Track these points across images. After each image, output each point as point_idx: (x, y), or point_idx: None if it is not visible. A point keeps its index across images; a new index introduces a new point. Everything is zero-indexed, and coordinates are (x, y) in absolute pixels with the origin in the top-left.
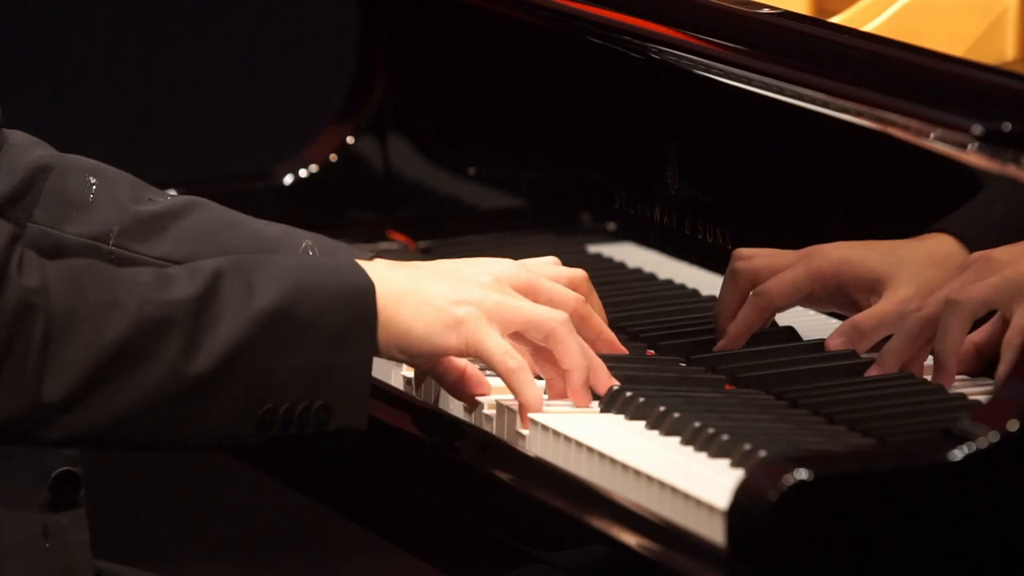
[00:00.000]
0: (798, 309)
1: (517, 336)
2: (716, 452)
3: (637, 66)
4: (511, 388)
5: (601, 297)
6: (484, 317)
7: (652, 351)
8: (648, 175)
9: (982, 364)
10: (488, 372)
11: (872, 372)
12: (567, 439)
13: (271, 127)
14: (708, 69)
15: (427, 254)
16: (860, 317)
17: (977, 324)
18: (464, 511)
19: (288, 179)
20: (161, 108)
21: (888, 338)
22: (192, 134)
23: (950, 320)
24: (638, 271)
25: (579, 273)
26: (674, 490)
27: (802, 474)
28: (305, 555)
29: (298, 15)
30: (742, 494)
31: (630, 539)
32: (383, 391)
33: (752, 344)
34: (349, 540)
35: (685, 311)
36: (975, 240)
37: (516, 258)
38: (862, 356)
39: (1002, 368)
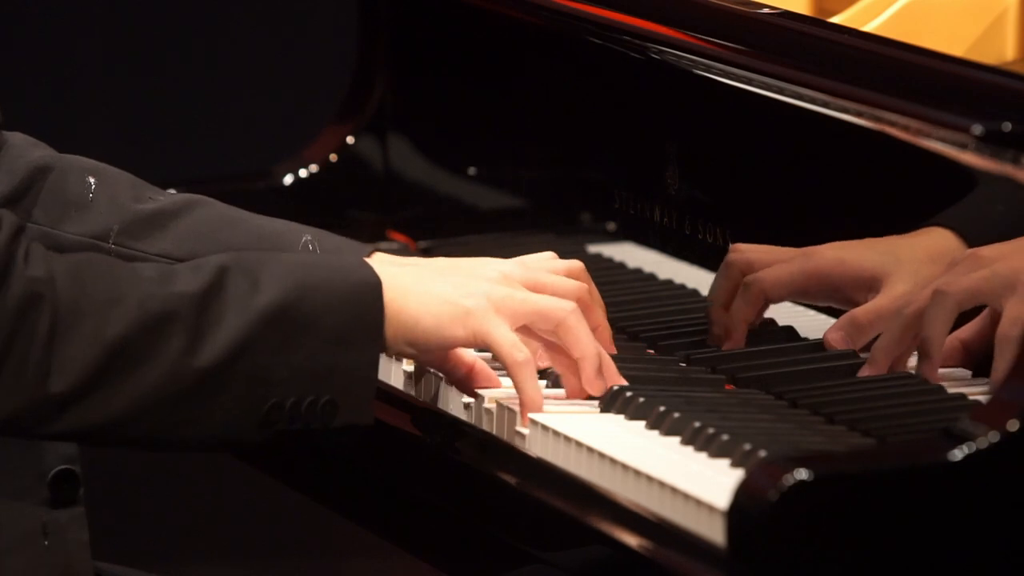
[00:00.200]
0: (798, 309)
1: (526, 331)
2: (716, 452)
3: (637, 66)
4: (515, 382)
5: (601, 297)
6: (492, 308)
7: (652, 351)
8: (648, 175)
9: (968, 360)
10: (499, 370)
11: (865, 371)
12: (567, 439)
13: (271, 127)
14: (708, 69)
15: (427, 254)
16: (858, 311)
17: (963, 322)
18: (464, 511)
19: (288, 179)
20: (161, 108)
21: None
22: (192, 134)
23: (936, 310)
24: (638, 271)
25: (576, 265)
26: (674, 490)
27: (802, 474)
28: (305, 555)
29: (298, 15)
30: (742, 494)
31: (630, 539)
32: (383, 391)
33: (752, 344)
34: (349, 540)
35: (685, 311)
36: (973, 235)
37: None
38: (862, 356)
39: (999, 362)
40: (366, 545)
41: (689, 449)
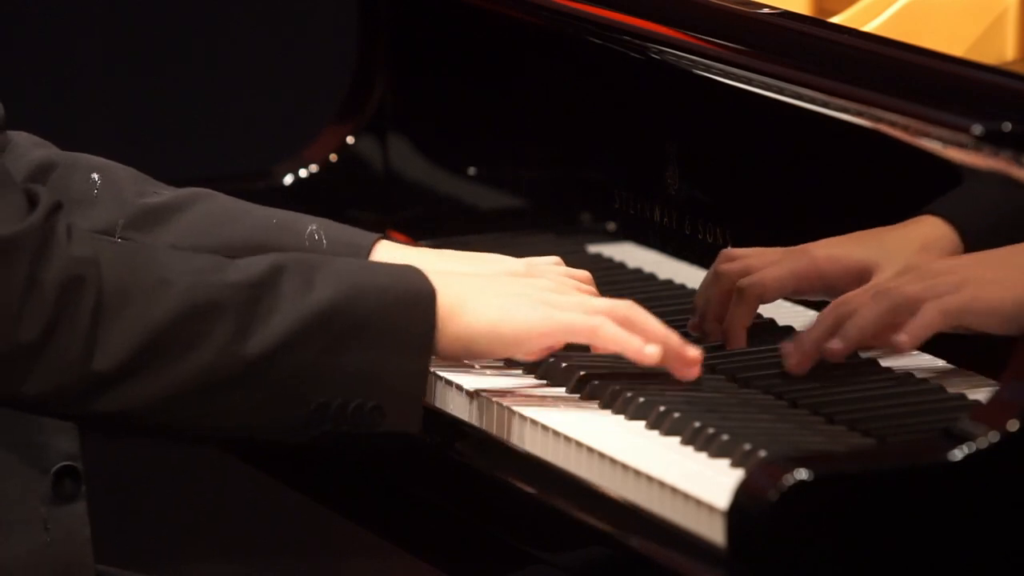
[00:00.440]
0: (798, 309)
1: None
2: (716, 452)
3: (637, 66)
4: (613, 346)
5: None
6: (550, 313)
7: None
8: (648, 175)
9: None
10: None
11: (836, 344)
12: (567, 439)
13: (271, 127)
14: (708, 69)
15: None
16: (847, 297)
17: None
18: (464, 511)
19: (288, 179)
20: (161, 108)
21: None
22: (192, 134)
23: (873, 307)
24: (638, 271)
25: (584, 275)
26: (674, 490)
27: (802, 474)
28: (305, 555)
29: (298, 15)
30: (742, 494)
31: (630, 539)
32: None
33: (752, 344)
34: (349, 540)
35: (685, 311)
36: (965, 222)
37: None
38: (862, 356)
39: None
40: (366, 545)
41: (689, 449)
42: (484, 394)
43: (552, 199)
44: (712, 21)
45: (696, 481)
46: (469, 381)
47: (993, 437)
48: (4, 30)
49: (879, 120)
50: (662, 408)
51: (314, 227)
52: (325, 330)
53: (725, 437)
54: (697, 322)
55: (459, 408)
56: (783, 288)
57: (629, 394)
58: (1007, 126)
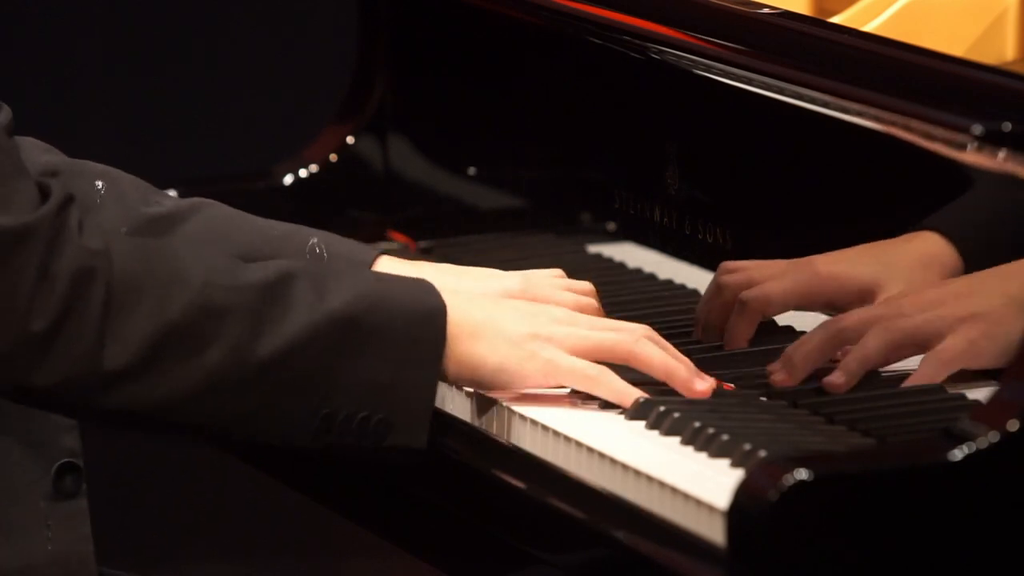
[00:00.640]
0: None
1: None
2: (716, 452)
3: (637, 66)
4: (606, 397)
5: (601, 297)
6: (557, 347)
7: None
8: (648, 175)
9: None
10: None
11: (838, 378)
12: (567, 439)
13: (271, 127)
14: (708, 69)
15: (427, 254)
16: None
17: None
18: (464, 511)
19: (288, 179)
20: (161, 108)
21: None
22: (192, 134)
23: (877, 340)
24: (638, 271)
25: (586, 287)
26: (674, 490)
27: (802, 474)
28: (305, 555)
29: (298, 15)
30: (742, 494)
31: (630, 539)
32: None
33: (752, 344)
34: (349, 540)
35: (685, 311)
36: (962, 238)
37: (516, 258)
38: None
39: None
40: (366, 545)
41: (689, 449)
42: (484, 394)
43: (552, 199)
44: (712, 21)
45: (696, 481)
46: None
47: (993, 437)
48: (4, 30)
49: (879, 120)
50: (662, 408)
51: (316, 240)
52: (336, 338)
53: (725, 437)
54: (699, 333)
55: (459, 408)
56: (787, 304)
57: None
58: (1007, 126)
